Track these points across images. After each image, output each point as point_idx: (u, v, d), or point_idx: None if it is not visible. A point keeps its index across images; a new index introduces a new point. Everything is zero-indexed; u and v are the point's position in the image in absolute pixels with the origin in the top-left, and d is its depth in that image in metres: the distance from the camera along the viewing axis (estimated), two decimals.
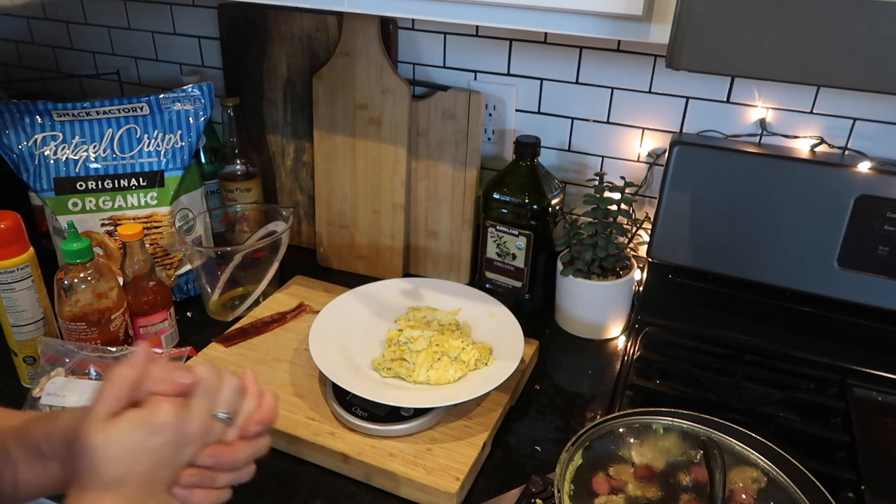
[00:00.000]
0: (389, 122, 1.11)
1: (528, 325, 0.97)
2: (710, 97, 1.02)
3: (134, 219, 1.06)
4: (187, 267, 1.12)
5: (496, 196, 1.06)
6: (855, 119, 0.96)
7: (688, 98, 1.03)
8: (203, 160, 1.21)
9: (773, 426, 0.85)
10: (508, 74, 1.12)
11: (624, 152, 1.10)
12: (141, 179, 1.06)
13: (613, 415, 0.73)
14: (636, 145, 1.09)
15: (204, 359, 0.95)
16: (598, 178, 1.04)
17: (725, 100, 1.01)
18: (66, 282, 0.87)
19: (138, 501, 0.50)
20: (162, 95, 1.07)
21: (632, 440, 0.71)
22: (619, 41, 1.03)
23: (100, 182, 1.04)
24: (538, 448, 0.85)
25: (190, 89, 1.08)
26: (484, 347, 0.92)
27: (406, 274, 1.20)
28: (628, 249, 1.07)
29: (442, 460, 0.78)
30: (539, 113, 1.13)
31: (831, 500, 0.64)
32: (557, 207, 1.07)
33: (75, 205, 1.04)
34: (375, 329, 0.97)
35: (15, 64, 1.60)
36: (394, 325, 0.98)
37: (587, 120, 1.10)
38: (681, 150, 0.96)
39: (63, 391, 0.84)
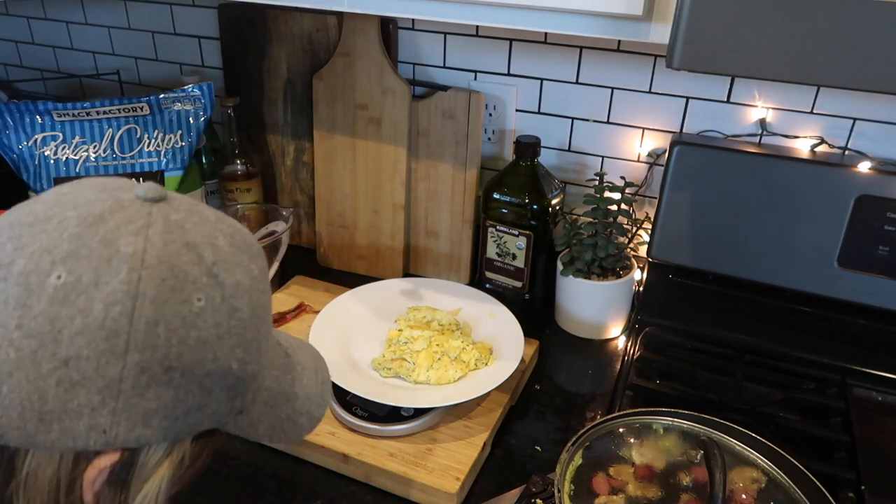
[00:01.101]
0: (389, 122, 1.11)
1: (528, 325, 0.97)
2: (710, 97, 1.02)
3: None
4: None
5: (496, 196, 1.06)
6: (855, 119, 0.96)
7: (688, 98, 1.03)
8: (203, 160, 1.21)
9: (773, 426, 0.85)
10: (508, 74, 1.12)
11: (624, 152, 1.10)
12: (141, 180, 1.06)
13: (613, 415, 0.73)
14: (636, 145, 1.09)
15: None
16: (598, 178, 1.04)
17: (725, 100, 1.01)
18: None
19: None
20: (162, 95, 1.07)
21: (632, 440, 0.71)
22: (619, 41, 1.03)
23: None
24: (538, 448, 0.85)
25: (190, 89, 1.08)
26: (484, 347, 0.92)
27: (406, 274, 1.20)
28: (628, 249, 1.07)
29: (442, 460, 0.78)
30: (539, 113, 1.13)
31: (831, 500, 0.64)
32: (557, 207, 1.07)
33: None
34: (375, 329, 0.97)
35: (15, 64, 1.60)
36: (394, 325, 0.98)
37: (587, 120, 1.10)
38: (681, 150, 0.96)
39: None
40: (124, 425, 0.40)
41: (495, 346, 0.93)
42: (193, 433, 0.44)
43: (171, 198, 0.44)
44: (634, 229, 1.07)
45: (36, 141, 1.04)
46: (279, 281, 1.12)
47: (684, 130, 1.05)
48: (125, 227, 0.40)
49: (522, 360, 0.91)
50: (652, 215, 1.03)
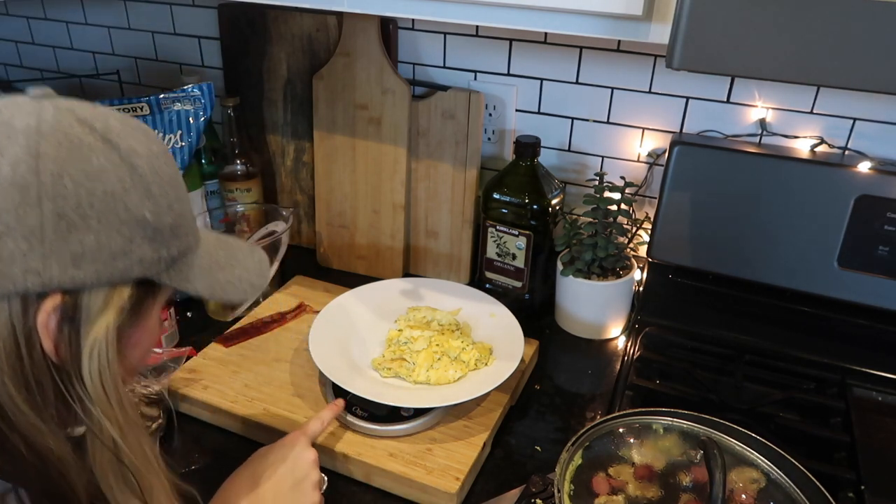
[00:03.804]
0: (389, 122, 1.11)
1: (528, 325, 0.97)
2: (710, 97, 1.02)
3: None
4: None
5: (496, 196, 1.06)
6: (855, 119, 0.96)
7: (688, 98, 1.03)
8: (203, 160, 1.21)
9: (773, 426, 0.85)
10: (508, 74, 1.12)
11: (624, 152, 1.10)
12: None
13: (613, 415, 0.73)
14: (636, 145, 1.09)
15: (204, 358, 0.95)
16: (598, 178, 1.04)
17: (725, 100, 1.01)
18: None
19: None
20: (162, 95, 1.07)
21: (632, 440, 0.71)
22: (619, 41, 1.03)
23: None
24: (538, 448, 0.85)
25: (190, 89, 1.08)
26: (484, 347, 0.92)
27: (406, 274, 1.20)
28: (628, 249, 1.07)
29: (442, 460, 0.78)
30: (539, 113, 1.13)
31: (831, 500, 0.64)
32: (557, 207, 1.07)
33: None
34: (375, 329, 0.97)
35: (15, 64, 1.60)
36: (394, 325, 0.98)
37: (587, 120, 1.10)
38: (681, 150, 0.96)
39: None
40: (56, 267, 0.46)
41: (495, 346, 0.93)
42: (127, 279, 0.50)
43: (60, 96, 0.51)
44: (634, 229, 1.07)
45: None
46: (279, 281, 1.12)
47: (684, 130, 1.05)
48: (19, 113, 0.48)
49: (522, 360, 0.91)
50: (652, 215, 1.03)
